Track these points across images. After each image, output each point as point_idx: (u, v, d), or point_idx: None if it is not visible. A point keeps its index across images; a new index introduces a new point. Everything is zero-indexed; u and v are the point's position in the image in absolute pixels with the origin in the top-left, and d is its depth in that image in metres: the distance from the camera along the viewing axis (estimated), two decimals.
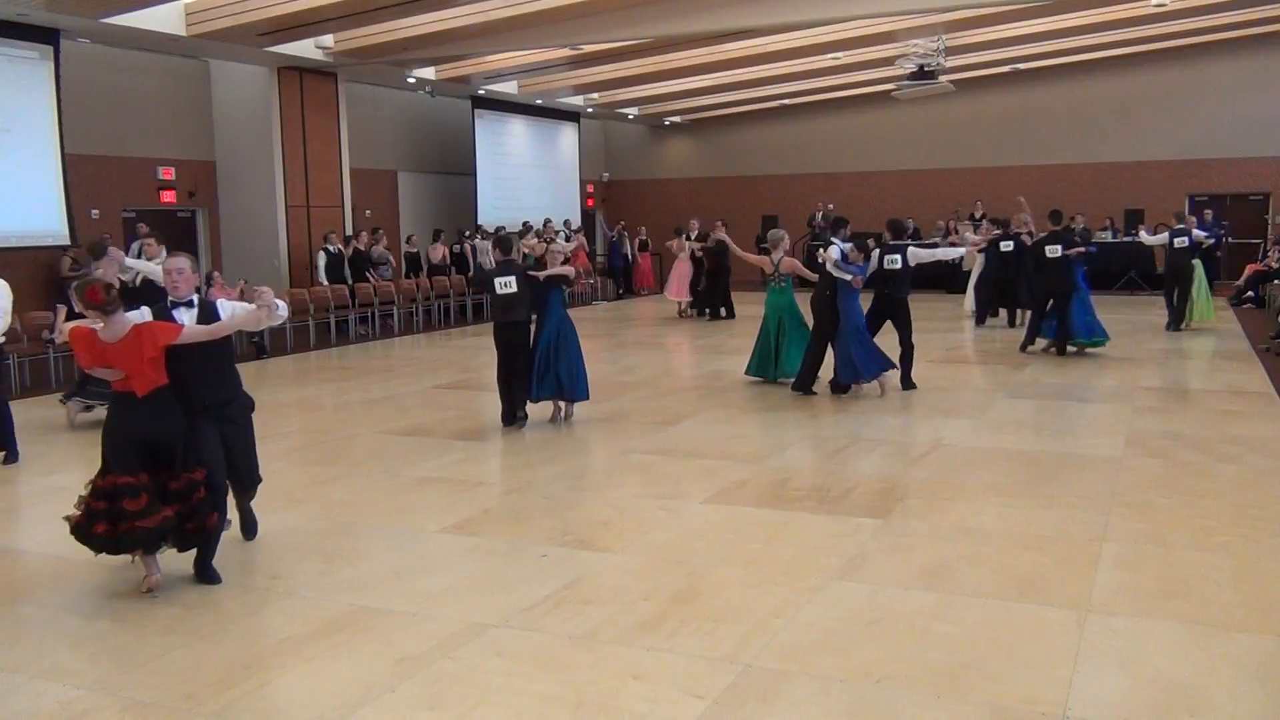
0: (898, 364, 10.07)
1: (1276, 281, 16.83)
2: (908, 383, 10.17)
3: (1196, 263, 14.43)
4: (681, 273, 17.78)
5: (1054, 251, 12.14)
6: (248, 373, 9.66)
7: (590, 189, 27.12)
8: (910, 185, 24.11)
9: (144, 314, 5.14)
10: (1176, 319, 14.42)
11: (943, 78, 18.54)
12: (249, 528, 5.79)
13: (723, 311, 17.44)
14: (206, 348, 5.16)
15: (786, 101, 24.24)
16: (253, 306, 5.33)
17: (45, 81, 13.83)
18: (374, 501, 6.68)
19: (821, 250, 9.95)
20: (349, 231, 17.79)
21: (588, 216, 26.02)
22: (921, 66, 18.07)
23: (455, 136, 21.78)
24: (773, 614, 4.59)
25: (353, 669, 4.12)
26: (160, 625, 4.59)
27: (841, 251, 9.82)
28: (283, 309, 5.33)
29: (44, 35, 13.61)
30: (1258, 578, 4.98)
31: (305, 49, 15.66)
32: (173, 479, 5.01)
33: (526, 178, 23.36)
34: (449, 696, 3.88)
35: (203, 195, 17.27)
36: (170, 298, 5.24)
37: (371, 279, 16.91)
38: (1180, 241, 14.25)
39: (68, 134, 14.13)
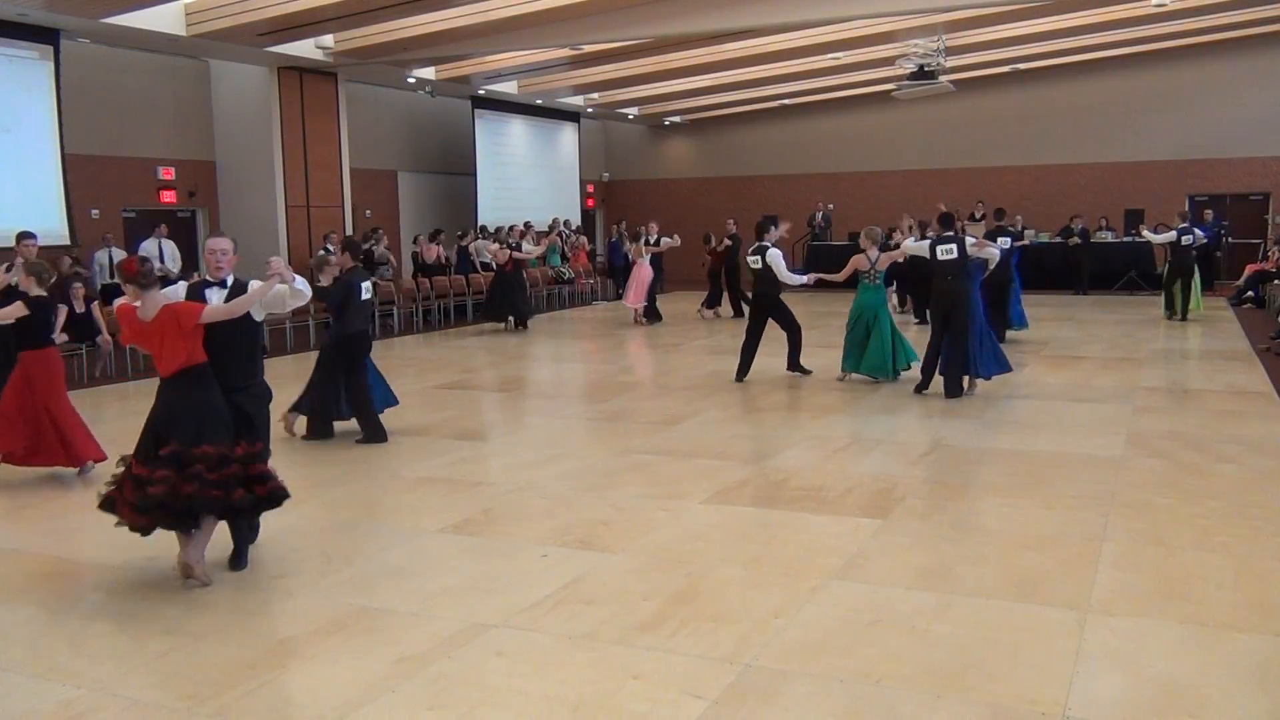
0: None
1: (1276, 281, 16.84)
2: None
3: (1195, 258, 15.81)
4: (641, 278, 16.90)
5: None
6: None
7: (590, 189, 27.12)
8: (910, 185, 24.09)
9: (177, 292, 5.25)
10: (1182, 309, 15.58)
11: (943, 78, 18.52)
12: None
13: (721, 310, 17.44)
14: (228, 332, 5.17)
15: (786, 101, 24.24)
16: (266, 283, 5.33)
17: (45, 81, 13.82)
18: (374, 501, 6.68)
19: (973, 240, 10.10)
20: (349, 232, 17.80)
21: (588, 216, 26.00)
22: (921, 66, 18.06)
23: (455, 136, 21.78)
24: (773, 614, 4.59)
25: (353, 669, 4.12)
26: (160, 625, 4.59)
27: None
28: (301, 282, 5.36)
29: (44, 35, 13.61)
30: (1258, 578, 4.98)
31: (305, 49, 15.66)
32: (235, 447, 5.03)
33: (526, 178, 23.36)
34: (449, 696, 3.88)
35: (203, 195, 17.27)
36: (206, 276, 5.34)
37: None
38: (1187, 240, 15.53)
39: (68, 134, 14.12)
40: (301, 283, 5.38)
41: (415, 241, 19.01)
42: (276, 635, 4.51)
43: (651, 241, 17.32)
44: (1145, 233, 16.64)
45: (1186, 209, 19.66)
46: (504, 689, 3.93)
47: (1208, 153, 21.86)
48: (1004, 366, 10.04)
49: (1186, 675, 3.95)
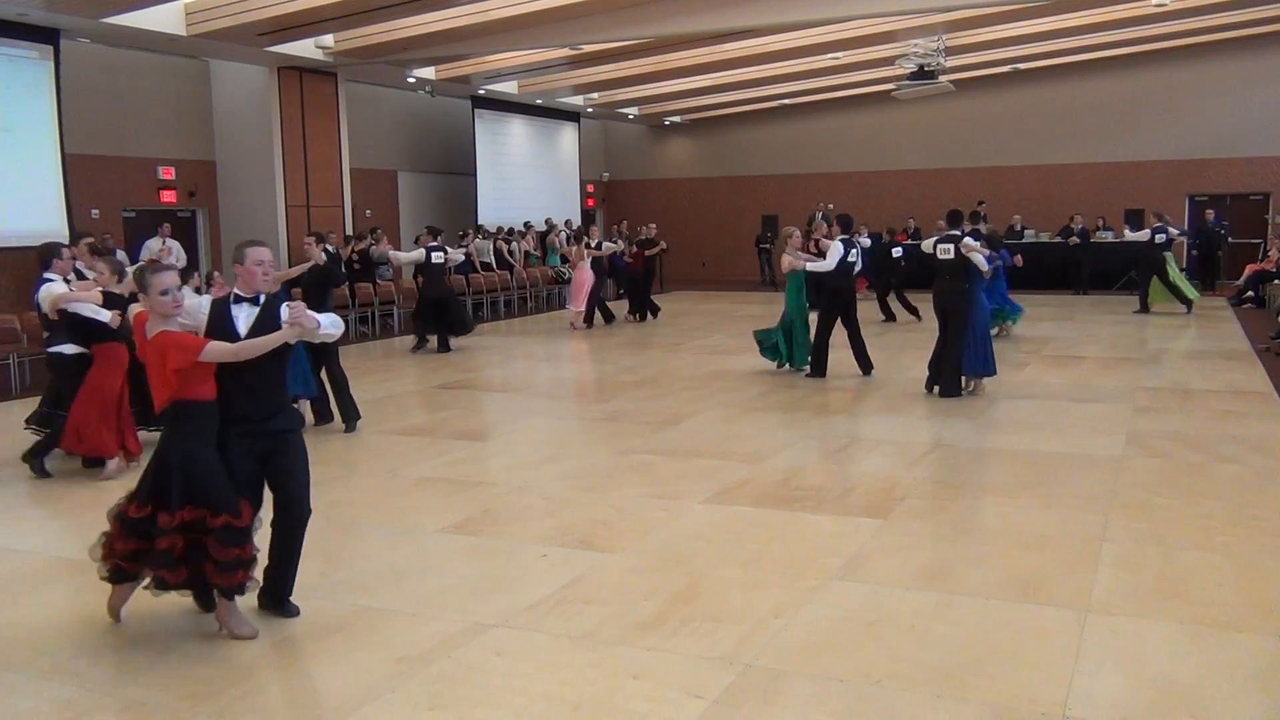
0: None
1: (1276, 281, 16.85)
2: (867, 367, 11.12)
3: (1168, 255, 16.54)
4: (582, 280, 16.60)
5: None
6: None
7: (590, 189, 27.13)
8: (910, 185, 24.11)
9: (201, 305, 4.56)
10: (1142, 302, 16.52)
11: (943, 78, 18.53)
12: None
13: (649, 315, 17.52)
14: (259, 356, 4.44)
15: (786, 101, 24.25)
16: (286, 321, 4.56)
17: (45, 81, 13.83)
18: (374, 501, 6.68)
19: (969, 240, 10.15)
20: (349, 231, 17.82)
21: (588, 216, 26.01)
22: (921, 66, 18.06)
23: (455, 136, 21.78)
24: (773, 614, 4.59)
25: (353, 669, 4.12)
26: (161, 625, 4.59)
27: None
28: (329, 321, 4.64)
29: (44, 35, 13.61)
30: (1258, 578, 4.98)
31: (305, 49, 15.66)
32: (179, 511, 4.31)
33: (526, 178, 23.37)
34: (449, 696, 3.88)
35: (203, 195, 17.27)
36: (237, 289, 4.54)
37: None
38: (1160, 238, 16.25)
39: (68, 134, 14.12)
40: (329, 322, 4.62)
41: (417, 241, 18.98)
42: (277, 635, 4.50)
43: (593, 245, 17.06)
44: (1126, 232, 17.25)
45: (1185, 209, 19.80)
46: (504, 689, 3.93)
47: (1208, 153, 21.86)
48: (989, 369, 9.86)
49: (1186, 675, 3.95)
